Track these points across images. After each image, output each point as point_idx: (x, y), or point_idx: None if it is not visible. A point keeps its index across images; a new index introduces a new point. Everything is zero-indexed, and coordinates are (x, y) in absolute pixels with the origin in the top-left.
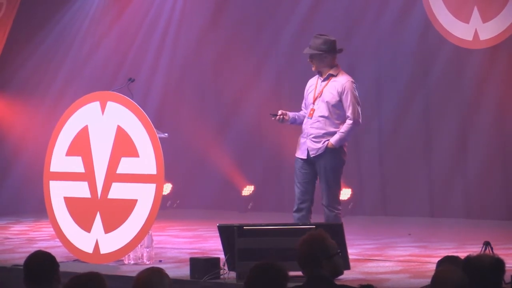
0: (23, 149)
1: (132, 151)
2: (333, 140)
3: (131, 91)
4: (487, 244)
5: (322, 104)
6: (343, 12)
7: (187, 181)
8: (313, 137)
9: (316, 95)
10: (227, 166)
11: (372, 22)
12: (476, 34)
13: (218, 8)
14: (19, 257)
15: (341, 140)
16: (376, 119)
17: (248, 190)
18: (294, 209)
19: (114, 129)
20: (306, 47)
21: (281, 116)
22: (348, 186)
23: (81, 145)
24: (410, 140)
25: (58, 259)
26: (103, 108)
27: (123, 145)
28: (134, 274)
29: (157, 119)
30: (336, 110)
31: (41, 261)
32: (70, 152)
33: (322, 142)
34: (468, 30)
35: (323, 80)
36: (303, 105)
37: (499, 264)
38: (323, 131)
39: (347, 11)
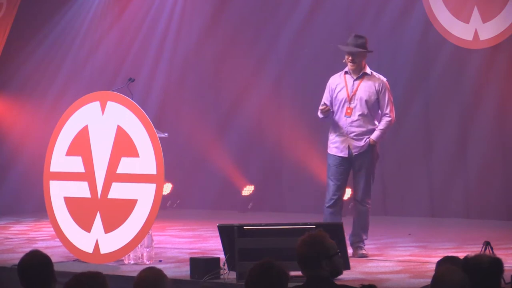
0: (23, 149)
1: (132, 151)
2: (374, 136)
3: (131, 91)
4: (487, 244)
5: (360, 102)
6: (343, 12)
7: (187, 181)
8: (355, 135)
9: (350, 93)
10: (227, 166)
11: (372, 22)
12: (476, 34)
13: (218, 8)
14: (19, 257)
15: (381, 136)
16: None
17: (248, 190)
18: (328, 204)
19: (114, 129)
20: (342, 45)
21: (327, 108)
22: (348, 186)
23: (81, 145)
24: (410, 140)
25: (58, 259)
26: (103, 108)
27: (123, 145)
28: (134, 274)
29: (157, 119)
30: (373, 108)
31: (35, 262)
32: (70, 152)
33: (364, 140)
34: (468, 30)
35: (356, 79)
36: (327, 102)
37: (497, 264)
38: (363, 129)
39: (347, 11)
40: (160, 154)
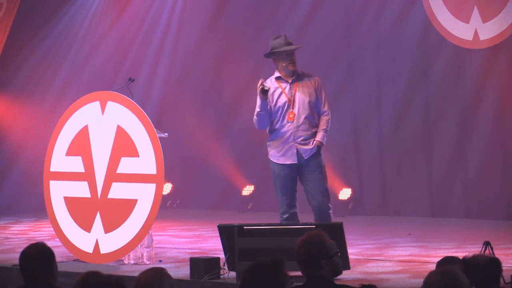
0: (23, 149)
1: (132, 151)
2: (319, 137)
3: (131, 91)
4: (487, 244)
5: (302, 104)
6: (343, 12)
7: (187, 181)
8: (302, 140)
9: (290, 97)
10: (227, 166)
11: (372, 22)
12: (476, 34)
13: (218, 8)
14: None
15: (326, 136)
16: (376, 119)
17: (248, 190)
18: (285, 216)
19: (114, 129)
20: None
21: (264, 87)
22: (348, 186)
23: (81, 145)
24: (410, 140)
25: (58, 259)
26: (103, 108)
27: (123, 145)
28: (134, 274)
29: (157, 119)
30: (315, 107)
31: (37, 253)
32: (70, 152)
33: (311, 143)
34: (468, 30)
35: (292, 82)
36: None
37: (494, 264)
38: (309, 132)
39: (347, 11)
40: (160, 154)
